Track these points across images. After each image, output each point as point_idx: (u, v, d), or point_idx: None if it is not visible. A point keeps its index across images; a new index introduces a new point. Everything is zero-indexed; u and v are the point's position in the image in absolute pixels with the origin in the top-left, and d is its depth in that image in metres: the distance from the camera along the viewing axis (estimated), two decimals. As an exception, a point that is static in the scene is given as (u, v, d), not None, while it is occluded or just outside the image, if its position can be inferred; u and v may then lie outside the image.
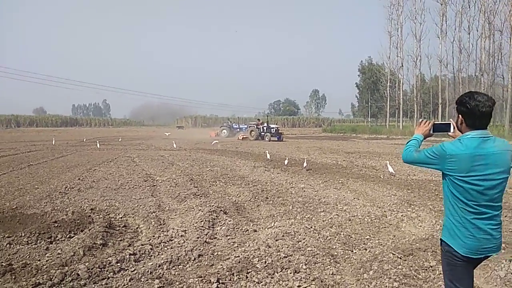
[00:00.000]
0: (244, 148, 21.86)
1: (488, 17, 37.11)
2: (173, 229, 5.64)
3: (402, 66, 46.37)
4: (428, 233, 5.42)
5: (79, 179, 10.16)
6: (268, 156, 15.29)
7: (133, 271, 4.11)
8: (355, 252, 4.76)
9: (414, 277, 3.99)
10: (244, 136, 33.49)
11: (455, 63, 42.11)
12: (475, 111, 2.26)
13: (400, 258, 4.47)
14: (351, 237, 5.35)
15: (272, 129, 32.44)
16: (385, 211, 6.76)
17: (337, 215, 6.52)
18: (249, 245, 4.94)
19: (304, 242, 5.05)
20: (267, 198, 7.93)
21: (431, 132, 2.64)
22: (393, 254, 4.61)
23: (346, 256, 4.62)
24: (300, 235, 5.37)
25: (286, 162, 13.53)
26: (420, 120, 2.79)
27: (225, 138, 36.21)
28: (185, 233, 5.45)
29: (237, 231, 5.62)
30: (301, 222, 6.03)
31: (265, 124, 33.28)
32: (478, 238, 2.26)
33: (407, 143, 2.62)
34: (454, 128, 2.52)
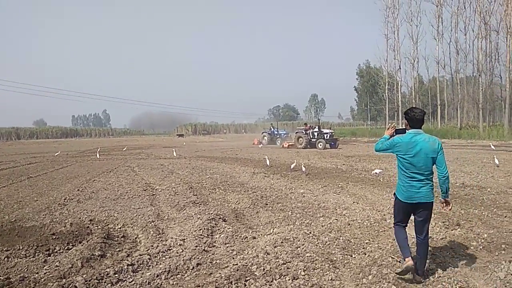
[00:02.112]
0: (244, 155, 21.86)
1: (483, 17, 37.19)
2: (172, 238, 5.63)
3: (400, 68, 46.48)
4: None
5: (78, 190, 10.16)
6: (268, 162, 15.26)
7: (131, 281, 4.10)
8: (354, 257, 4.74)
9: (413, 280, 3.96)
10: (290, 144, 28.75)
11: (452, 64, 42.11)
12: (413, 118, 3.95)
13: (399, 262, 4.45)
14: (351, 241, 5.33)
15: (326, 135, 26.96)
16: (384, 215, 6.73)
17: (336, 219, 6.50)
18: (247, 253, 4.93)
19: (303, 248, 5.04)
20: (267, 204, 7.91)
21: (394, 134, 4.14)
22: (392, 258, 4.60)
23: (345, 261, 4.60)
24: (299, 241, 5.36)
25: (292, 166, 13.43)
26: (388, 125, 4.37)
27: (266, 145, 32.63)
28: (184, 242, 5.43)
29: (236, 238, 5.61)
30: (300, 228, 6.02)
31: (317, 129, 27.76)
32: (410, 191, 3.93)
33: (378, 140, 4.24)
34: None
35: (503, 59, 36.38)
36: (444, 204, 4.02)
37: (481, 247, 4.99)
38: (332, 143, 26.87)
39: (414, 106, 43.69)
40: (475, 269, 4.24)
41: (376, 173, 11.50)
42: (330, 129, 30.27)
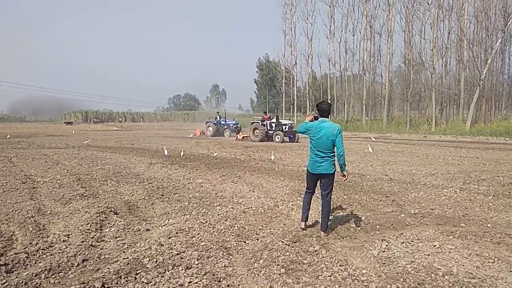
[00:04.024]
0: (141, 144, 20.97)
1: (369, 20, 41.05)
2: (54, 234, 5.14)
3: (296, 64, 49.09)
4: (314, 219, 5.82)
5: None
6: (166, 152, 14.90)
7: (4, 283, 3.65)
8: (248, 243, 4.89)
9: (300, 262, 4.25)
10: (245, 135, 25.70)
11: (341, 62, 45.93)
12: (321, 109, 5.10)
13: (288, 245, 4.73)
14: (245, 228, 5.49)
15: (285, 127, 24.20)
16: (277, 202, 7.07)
17: (233, 208, 6.63)
18: (140, 245, 4.74)
19: (198, 238, 5.03)
20: (163, 195, 7.71)
21: (313, 120, 5.14)
22: (282, 242, 4.85)
23: (239, 248, 4.72)
24: (194, 230, 5.34)
25: (215, 154, 14.30)
26: (308, 113, 4.87)
27: (211, 137, 28.99)
28: (68, 237, 5.01)
29: (128, 231, 5.35)
30: (197, 218, 6.00)
31: (274, 120, 24.86)
32: (315, 164, 5.06)
33: (301, 125, 5.22)
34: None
35: (384, 60, 40.74)
36: (343, 176, 5.22)
37: (359, 228, 5.56)
38: (291, 136, 24.06)
39: (308, 100, 47.04)
40: (354, 249, 4.69)
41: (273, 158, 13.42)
42: (290, 120, 27.29)
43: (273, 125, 24.47)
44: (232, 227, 5.53)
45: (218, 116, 31.63)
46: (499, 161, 12.74)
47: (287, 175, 10.14)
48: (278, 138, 23.45)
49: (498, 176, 9.71)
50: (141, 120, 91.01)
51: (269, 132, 24.35)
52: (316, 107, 5.18)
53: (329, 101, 5.60)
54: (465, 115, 33.29)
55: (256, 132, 24.68)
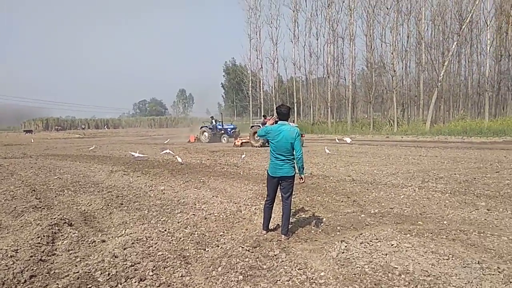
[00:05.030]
0: (103, 151, 20.34)
1: (332, 25, 42.00)
2: (1, 249, 4.81)
3: (262, 67, 49.41)
4: (276, 223, 5.77)
5: None
6: (136, 155, 14.97)
7: None
8: (208, 250, 4.79)
9: (259, 267, 4.18)
10: (244, 141, 23.74)
11: (306, 66, 46.59)
12: (280, 112, 5.12)
13: (248, 251, 4.65)
14: (205, 235, 5.37)
15: None
16: (240, 206, 6.98)
17: (194, 214, 6.49)
18: (93, 258, 4.52)
19: (155, 247, 4.87)
20: (122, 204, 7.44)
21: (274, 124, 5.19)
22: (242, 247, 4.77)
23: (198, 256, 4.61)
24: (152, 240, 5.16)
25: (180, 160, 14.05)
26: (269, 117, 5.66)
27: (206, 143, 27.24)
28: (16, 252, 4.71)
29: (81, 243, 5.10)
30: (155, 226, 5.81)
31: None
32: (276, 167, 5.05)
33: (261, 129, 5.28)
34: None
35: (347, 63, 41.86)
36: (300, 179, 5.20)
37: (320, 230, 5.57)
38: None
39: (275, 103, 47.46)
40: (314, 251, 4.68)
41: (243, 157, 14.00)
42: (294, 123, 25.43)
43: None
44: (192, 234, 5.39)
45: (213, 121, 29.20)
46: (456, 159, 13.24)
47: (252, 179, 10.09)
48: None
49: (455, 174, 10.06)
50: (105, 127, 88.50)
51: None
52: (276, 111, 5.21)
53: (288, 105, 5.52)
54: (425, 116, 34.53)
55: (257, 137, 22.88)
